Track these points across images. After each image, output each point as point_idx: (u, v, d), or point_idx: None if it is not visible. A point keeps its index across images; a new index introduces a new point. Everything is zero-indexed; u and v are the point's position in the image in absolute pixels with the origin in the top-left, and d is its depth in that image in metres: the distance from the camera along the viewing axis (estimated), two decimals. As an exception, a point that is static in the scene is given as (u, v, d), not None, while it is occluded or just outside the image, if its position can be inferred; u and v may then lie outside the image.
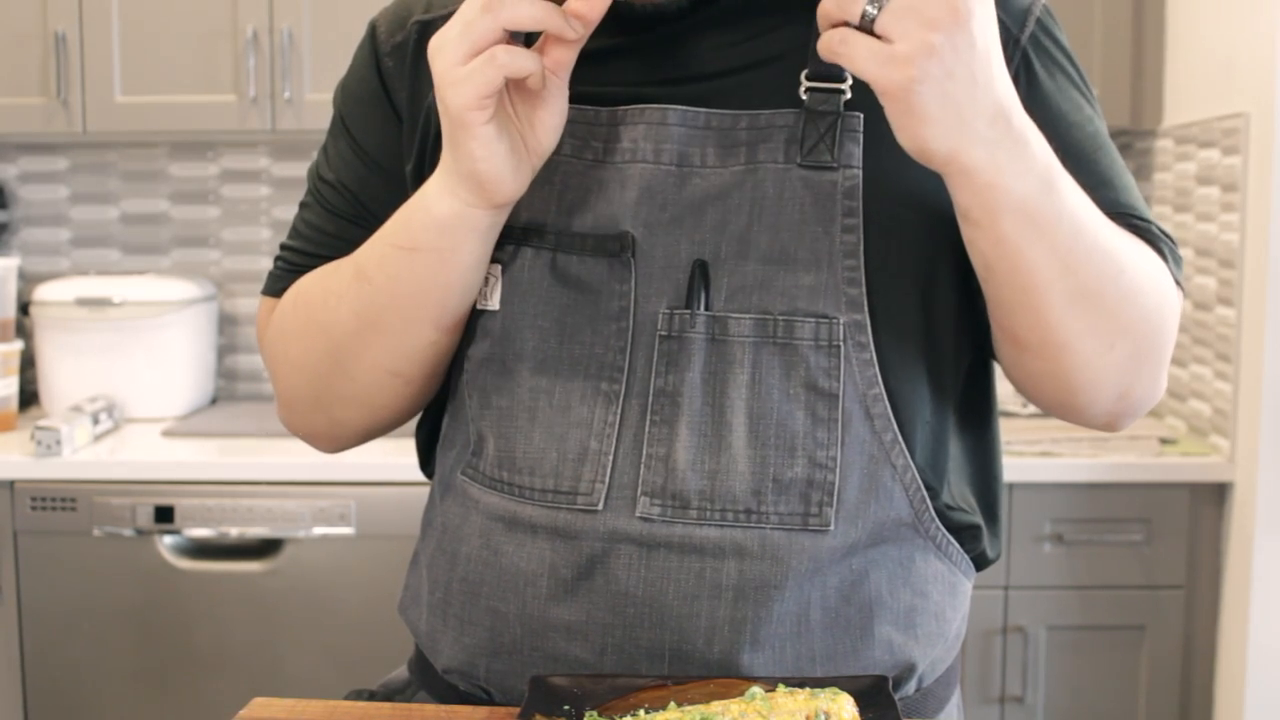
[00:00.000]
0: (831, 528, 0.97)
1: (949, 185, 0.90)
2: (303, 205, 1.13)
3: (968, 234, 0.94)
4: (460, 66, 0.90)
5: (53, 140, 2.94)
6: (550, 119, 0.95)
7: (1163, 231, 1.04)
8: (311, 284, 1.08)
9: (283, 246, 1.13)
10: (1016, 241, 0.91)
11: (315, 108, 2.64)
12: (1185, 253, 2.59)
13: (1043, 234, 0.91)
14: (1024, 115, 0.89)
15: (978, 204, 0.90)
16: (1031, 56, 1.00)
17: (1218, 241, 2.46)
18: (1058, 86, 1.01)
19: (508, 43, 0.91)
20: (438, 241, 0.97)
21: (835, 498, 0.97)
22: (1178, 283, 1.04)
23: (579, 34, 0.92)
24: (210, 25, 2.66)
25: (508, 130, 0.94)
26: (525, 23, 0.90)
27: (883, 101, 0.86)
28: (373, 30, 1.11)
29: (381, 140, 1.09)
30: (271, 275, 1.13)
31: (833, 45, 0.85)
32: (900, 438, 0.98)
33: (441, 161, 0.96)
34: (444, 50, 0.91)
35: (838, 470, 0.96)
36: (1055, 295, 0.93)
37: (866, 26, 0.84)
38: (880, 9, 0.83)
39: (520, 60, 0.90)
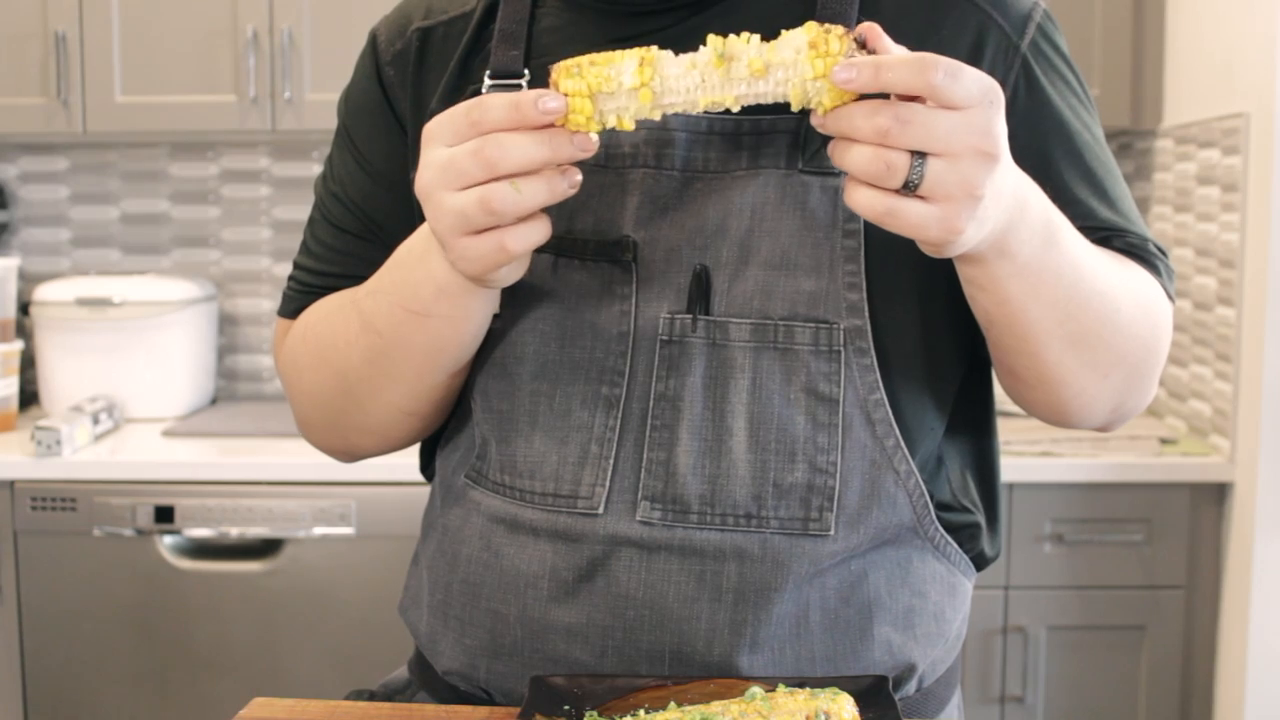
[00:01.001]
0: (832, 532, 0.97)
1: (954, 260, 0.90)
2: (310, 221, 1.13)
3: (969, 293, 0.94)
4: (463, 239, 0.88)
5: (53, 140, 2.93)
6: (540, 227, 0.90)
7: (1157, 247, 1.04)
8: (319, 322, 1.08)
9: (295, 265, 1.13)
10: (1020, 300, 0.91)
11: (315, 108, 2.64)
12: (1185, 253, 2.59)
13: (1045, 289, 0.91)
14: (1022, 178, 0.88)
15: (984, 274, 0.90)
16: (1032, 64, 1.00)
17: (1218, 241, 2.46)
18: (1058, 94, 1.01)
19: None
20: (451, 310, 0.97)
21: (835, 503, 0.97)
22: (1170, 296, 1.04)
23: (578, 188, 0.89)
24: (210, 25, 2.66)
25: (515, 252, 0.90)
26: (530, 211, 0.87)
27: (924, 249, 0.86)
28: (373, 40, 1.11)
29: (386, 151, 1.09)
30: (286, 296, 1.14)
31: (879, 216, 0.83)
32: (903, 443, 0.98)
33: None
34: (440, 217, 0.88)
35: (838, 475, 0.97)
36: (1054, 340, 0.94)
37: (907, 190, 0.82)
38: (922, 177, 0.80)
39: (534, 239, 0.88)
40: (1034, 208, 0.89)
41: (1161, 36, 2.66)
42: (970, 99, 0.80)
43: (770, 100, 0.84)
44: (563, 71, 0.85)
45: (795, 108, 0.84)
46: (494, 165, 0.85)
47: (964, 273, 0.92)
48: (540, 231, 0.89)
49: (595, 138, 0.85)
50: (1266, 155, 2.27)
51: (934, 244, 0.84)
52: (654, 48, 0.85)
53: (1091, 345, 0.96)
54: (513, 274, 0.93)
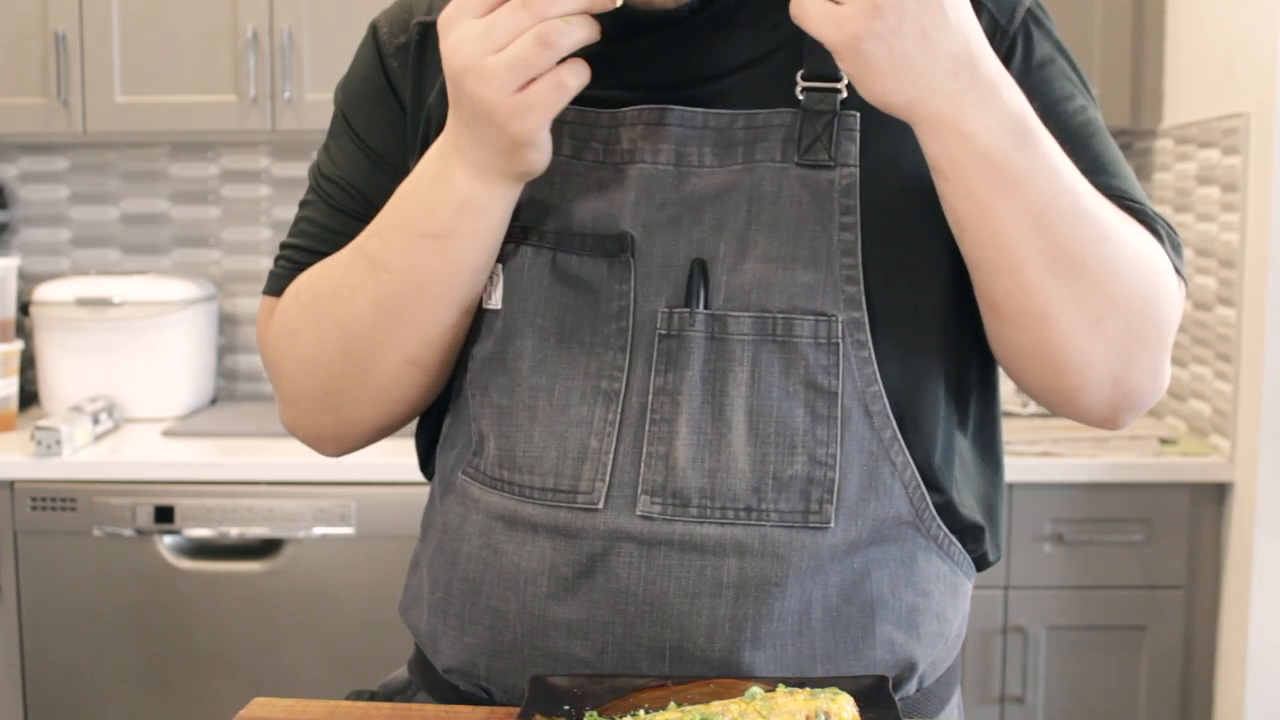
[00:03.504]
0: (832, 525, 0.97)
1: (918, 136, 0.91)
2: (303, 204, 1.13)
3: (939, 188, 0.93)
4: (517, 95, 0.90)
5: (53, 140, 2.94)
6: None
7: (1161, 218, 1.01)
8: (316, 279, 1.06)
9: (284, 245, 1.12)
10: (986, 196, 0.90)
11: (315, 108, 2.64)
12: (1185, 253, 2.59)
13: (1014, 188, 0.90)
14: (996, 68, 0.89)
15: (944, 154, 0.90)
16: (1019, 46, 1.00)
17: (1218, 241, 2.46)
18: (1048, 75, 1.01)
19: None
20: (474, 224, 0.97)
21: (835, 495, 0.97)
22: (1179, 271, 1.01)
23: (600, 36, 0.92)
24: (210, 25, 2.66)
25: None
26: (579, 46, 0.90)
27: (836, 58, 0.88)
28: (374, 31, 1.11)
29: (388, 137, 1.09)
30: (273, 275, 1.12)
31: (793, 8, 0.87)
32: (899, 435, 0.98)
33: (461, 152, 0.95)
34: (491, 81, 0.90)
35: (838, 467, 0.97)
36: (1030, 256, 0.92)
37: None
38: None
39: (583, 76, 0.92)
40: (1005, 99, 0.89)
41: (1161, 36, 2.66)
42: None
43: None
44: None
45: None
46: (544, 10, 0.88)
47: (927, 153, 0.92)
48: (585, 71, 0.92)
49: None
50: (1266, 155, 2.27)
51: (838, 50, 0.86)
52: None
53: (1075, 272, 0.92)
54: (546, 157, 0.95)
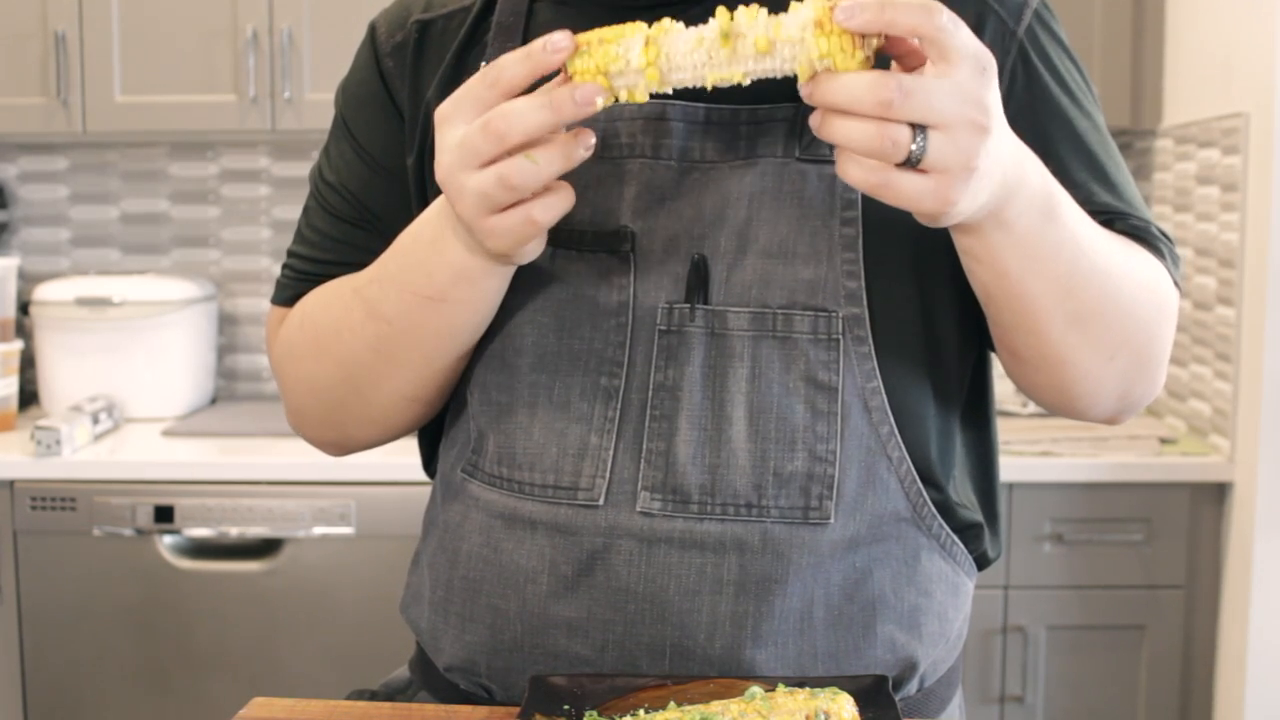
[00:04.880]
0: (831, 521, 0.97)
1: (951, 232, 0.90)
2: (306, 209, 1.13)
3: (968, 266, 0.93)
4: (489, 218, 0.89)
5: (53, 140, 2.94)
6: (564, 197, 0.91)
7: (1160, 231, 1.03)
8: (318, 310, 1.07)
9: (289, 254, 1.13)
10: (1018, 274, 0.91)
11: (315, 108, 2.64)
12: (1185, 252, 2.59)
13: (1044, 263, 0.90)
14: (1022, 148, 0.88)
15: (981, 245, 0.90)
16: (1028, 50, 1.00)
17: (1218, 241, 2.46)
18: (1055, 80, 1.01)
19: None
20: (469, 293, 0.97)
21: (835, 491, 0.97)
22: (1176, 283, 1.03)
23: (592, 150, 0.90)
24: (210, 25, 2.66)
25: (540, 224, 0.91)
26: (550, 180, 0.88)
27: (920, 220, 0.85)
28: (372, 31, 1.11)
29: (384, 141, 1.09)
30: (279, 284, 1.13)
31: (874, 188, 0.82)
32: (896, 430, 0.98)
33: (455, 225, 0.94)
34: (464, 200, 0.88)
35: (837, 463, 0.97)
36: (1055, 317, 0.93)
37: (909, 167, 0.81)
38: (924, 151, 0.79)
39: (558, 210, 0.90)
40: (1032, 179, 0.88)
41: (1161, 36, 2.66)
42: (966, 52, 0.79)
43: (778, 75, 0.84)
44: (581, 54, 0.86)
45: (803, 80, 0.82)
46: (503, 136, 0.85)
47: (960, 244, 0.91)
48: (565, 200, 0.90)
49: (599, 99, 0.85)
50: (1266, 155, 2.27)
51: (929, 216, 0.84)
52: (665, 21, 0.86)
53: (1094, 324, 0.95)
54: (537, 249, 0.94)
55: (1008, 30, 1.00)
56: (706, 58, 0.84)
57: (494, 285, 0.98)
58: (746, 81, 0.85)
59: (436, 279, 0.97)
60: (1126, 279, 0.96)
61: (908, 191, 0.81)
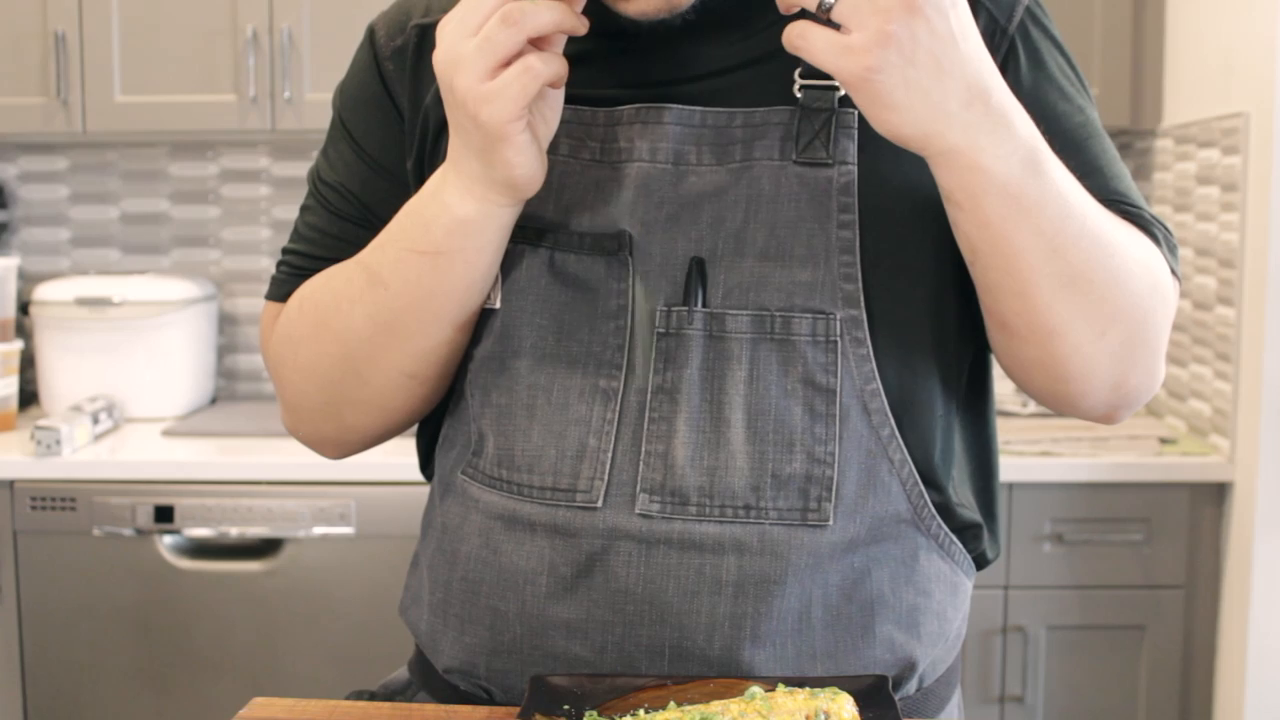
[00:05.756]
0: (830, 523, 0.97)
1: (931, 168, 0.91)
2: (304, 209, 1.13)
3: (952, 215, 0.93)
4: (487, 81, 0.90)
5: (53, 140, 2.94)
6: (554, 106, 0.95)
7: (1157, 219, 1.03)
8: (318, 289, 1.07)
9: (285, 250, 1.13)
10: (1000, 224, 0.90)
11: (315, 108, 2.64)
12: (1185, 252, 2.59)
13: (1028, 216, 0.90)
14: (1007, 96, 0.89)
15: (959, 186, 0.90)
16: (1019, 46, 1.01)
17: (1218, 241, 2.46)
18: (1046, 75, 1.01)
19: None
20: (464, 243, 0.97)
21: (834, 493, 0.97)
22: (1174, 271, 1.03)
23: (587, 28, 0.92)
24: (210, 25, 2.66)
25: (532, 128, 0.94)
26: (547, 28, 0.90)
27: (846, 90, 0.87)
28: (371, 34, 1.11)
29: (384, 142, 1.09)
30: (275, 280, 1.13)
31: (792, 38, 0.85)
32: (897, 432, 0.98)
33: (456, 165, 0.96)
34: (463, 67, 0.90)
35: (836, 465, 0.97)
36: (1042, 279, 0.93)
37: (824, 16, 0.84)
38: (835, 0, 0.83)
39: (555, 66, 0.91)
40: (1017, 128, 0.89)
41: (1161, 36, 2.66)
42: None
43: None
44: None
45: None
46: (519, 23, 0.88)
47: (941, 185, 0.91)
48: (558, 62, 0.91)
49: None
50: (1266, 155, 2.27)
51: (848, 83, 0.85)
52: None
53: (1084, 290, 0.94)
54: (533, 166, 0.94)
55: (999, 26, 1.00)
56: None
57: (490, 235, 0.98)
58: None
59: (433, 231, 0.97)
60: (1119, 249, 0.95)
61: (820, 44, 0.84)
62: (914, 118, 0.86)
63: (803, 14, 0.87)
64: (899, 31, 0.82)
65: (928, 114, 0.85)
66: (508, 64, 0.90)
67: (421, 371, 1.05)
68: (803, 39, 0.85)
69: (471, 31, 0.90)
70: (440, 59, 0.92)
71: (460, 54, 0.90)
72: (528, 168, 0.94)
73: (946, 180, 0.90)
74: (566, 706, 0.90)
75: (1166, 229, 1.03)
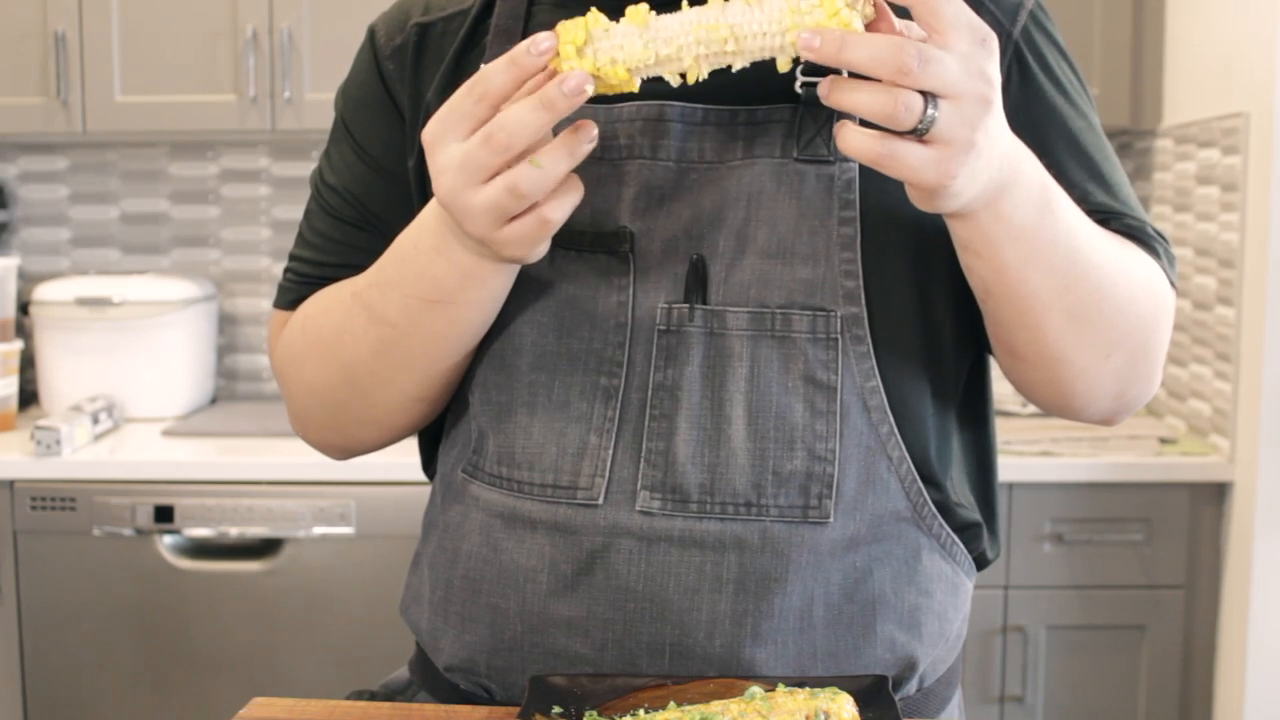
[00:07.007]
0: (831, 520, 0.97)
1: (946, 219, 0.90)
2: (307, 213, 1.13)
3: (966, 261, 0.94)
4: (502, 230, 0.88)
5: (53, 140, 2.94)
6: (574, 190, 0.91)
7: (1156, 231, 1.04)
8: (320, 314, 1.07)
9: (291, 257, 1.13)
10: (1018, 268, 0.91)
11: (315, 108, 2.64)
12: (1185, 252, 2.59)
13: (1041, 255, 0.90)
14: (1017, 142, 0.88)
15: (979, 236, 0.89)
16: (1024, 51, 1.01)
17: (1218, 241, 2.46)
18: (1051, 80, 1.01)
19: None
20: (477, 293, 0.97)
21: (834, 490, 0.97)
22: (1172, 283, 1.04)
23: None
24: (210, 25, 2.66)
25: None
26: (532, 139, 0.86)
27: (913, 194, 0.85)
28: (372, 35, 1.11)
29: (385, 143, 1.09)
30: (281, 288, 1.13)
31: (876, 158, 0.81)
32: (896, 430, 0.98)
33: (459, 233, 0.94)
34: (475, 218, 0.88)
35: (836, 463, 0.97)
36: (1054, 313, 0.94)
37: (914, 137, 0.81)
38: (934, 121, 0.79)
39: (567, 208, 0.89)
40: (1028, 172, 0.88)
41: (1161, 36, 2.66)
42: (962, 22, 0.79)
43: (764, 48, 0.82)
44: (564, 28, 0.85)
45: (786, 55, 0.82)
46: (507, 148, 0.85)
47: (958, 236, 0.91)
48: (574, 194, 0.89)
49: (588, 87, 0.84)
50: (1266, 155, 2.27)
51: (927, 189, 0.83)
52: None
53: (1092, 321, 0.95)
54: (546, 246, 0.93)
55: (1003, 31, 1.00)
56: (695, 20, 0.83)
57: (501, 283, 0.98)
58: (737, 65, 0.84)
59: (443, 284, 0.97)
60: (1123, 276, 0.96)
61: (911, 162, 0.80)
62: (964, 200, 0.85)
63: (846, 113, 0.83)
64: (981, 137, 0.81)
65: (973, 192, 0.84)
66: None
67: (427, 395, 1.05)
68: (894, 160, 0.80)
69: (473, 183, 0.87)
70: (443, 198, 0.89)
71: (468, 205, 0.88)
72: (545, 251, 0.94)
73: (965, 231, 0.90)
74: (566, 706, 0.90)
75: (1165, 240, 1.04)
